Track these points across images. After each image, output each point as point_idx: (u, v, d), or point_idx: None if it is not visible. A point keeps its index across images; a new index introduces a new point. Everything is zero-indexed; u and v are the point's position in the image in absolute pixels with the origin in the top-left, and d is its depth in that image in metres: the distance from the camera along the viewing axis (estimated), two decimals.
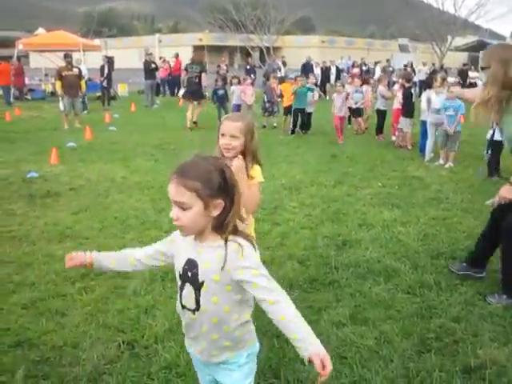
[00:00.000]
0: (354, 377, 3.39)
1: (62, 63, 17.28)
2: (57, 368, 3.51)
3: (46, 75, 28.61)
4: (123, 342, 3.79)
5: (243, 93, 15.55)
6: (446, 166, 9.98)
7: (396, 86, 13.77)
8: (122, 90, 27.07)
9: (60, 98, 16.84)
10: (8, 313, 4.24)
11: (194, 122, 15.38)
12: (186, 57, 21.13)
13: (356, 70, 26.85)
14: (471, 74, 27.39)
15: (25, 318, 4.14)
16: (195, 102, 15.23)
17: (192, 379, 3.18)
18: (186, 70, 15.44)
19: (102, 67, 21.86)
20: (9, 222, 6.55)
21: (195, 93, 15.09)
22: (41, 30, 34.45)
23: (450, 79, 16.84)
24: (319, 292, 4.61)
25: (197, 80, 15.00)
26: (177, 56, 27.39)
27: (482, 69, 4.31)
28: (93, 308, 4.30)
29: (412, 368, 3.48)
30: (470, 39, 53.43)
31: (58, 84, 15.97)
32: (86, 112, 18.77)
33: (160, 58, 29.48)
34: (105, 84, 21.70)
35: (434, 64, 34.09)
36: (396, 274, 4.96)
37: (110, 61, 22.61)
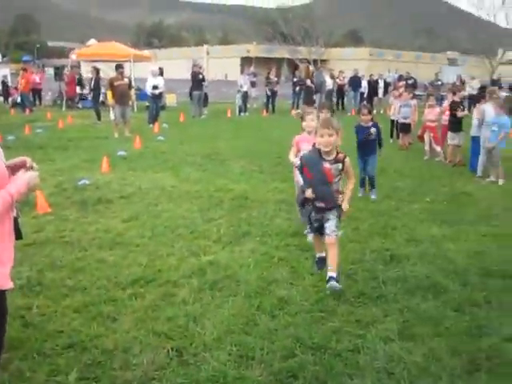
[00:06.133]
0: None
1: (111, 73, 17.57)
2: (108, 371, 3.60)
3: None
4: (172, 349, 3.86)
5: None
6: (500, 183, 9.77)
7: (445, 102, 13.49)
8: (170, 100, 27.44)
9: (111, 108, 17.27)
10: (61, 315, 4.36)
11: None
12: (235, 67, 21.16)
13: (401, 83, 26.49)
14: None
15: (77, 322, 4.25)
16: None
17: None
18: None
19: (91, 79, 20.70)
20: (62, 228, 6.73)
21: None
22: (93, 41, 35.24)
23: (502, 93, 16.53)
24: (367, 306, 4.59)
25: None
26: None
27: None
28: (143, 314, 4.38)
29: None
30: None
31: (110, 93, 16.37)
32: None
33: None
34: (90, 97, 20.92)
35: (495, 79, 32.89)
36: (445, 290, 4.90)
37: (98, 72, 20.64)
